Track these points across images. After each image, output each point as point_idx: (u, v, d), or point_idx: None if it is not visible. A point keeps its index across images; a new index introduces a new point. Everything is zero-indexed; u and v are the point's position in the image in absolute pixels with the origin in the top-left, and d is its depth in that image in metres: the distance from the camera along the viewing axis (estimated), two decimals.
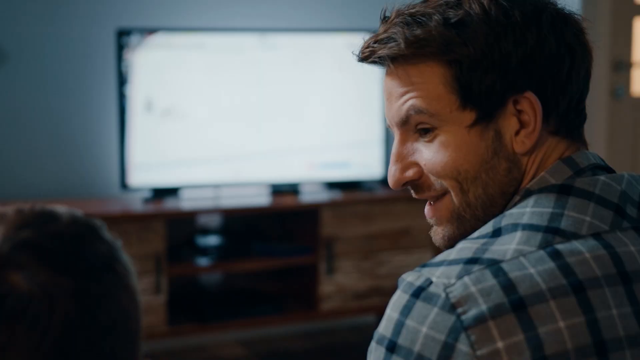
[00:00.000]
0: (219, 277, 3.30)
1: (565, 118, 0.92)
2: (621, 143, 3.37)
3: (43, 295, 0.64)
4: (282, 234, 3.27)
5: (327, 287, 3.15)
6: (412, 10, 0.92)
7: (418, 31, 0.90)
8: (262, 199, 3.16)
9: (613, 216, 0.87)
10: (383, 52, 0.92)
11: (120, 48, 2.98)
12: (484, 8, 0.89)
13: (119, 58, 2.98)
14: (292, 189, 3.21)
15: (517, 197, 0.90)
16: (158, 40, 3.03)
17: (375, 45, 0.93)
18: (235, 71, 3.13)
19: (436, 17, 0.89)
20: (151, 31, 3.02)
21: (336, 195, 3.23)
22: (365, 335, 3.48)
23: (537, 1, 0.91)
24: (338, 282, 3.16)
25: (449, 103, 0.90)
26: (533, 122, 0.90)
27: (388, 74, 0.95)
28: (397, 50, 0.91)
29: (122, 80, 2.99)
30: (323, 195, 3.22)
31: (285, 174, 3.21)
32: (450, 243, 0.95)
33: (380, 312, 3.41)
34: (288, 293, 3.25)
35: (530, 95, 0.89)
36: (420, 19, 0.90)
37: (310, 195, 3.21)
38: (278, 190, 3.20)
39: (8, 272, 0.64)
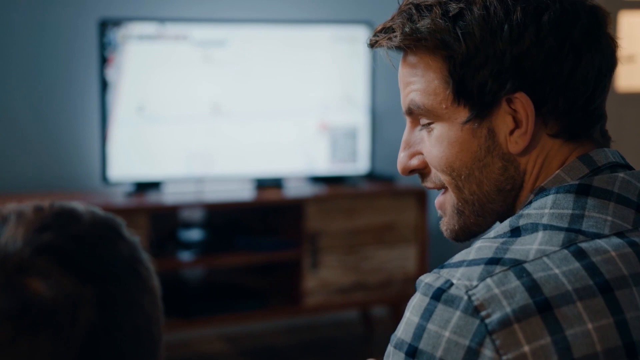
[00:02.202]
0: (202, 271, 3.28)
1: (569, 120, 0.88)
2: None
3: (66, 303, 0.62)
4: (265, 229, 3.25)
5: (311, 282, 3.13)
6: (419, 1, 0.90)
7: (416, 24, 0.89)
8: (245, 193, 3.14)
9: (635, 215, 0.85)
10: (383, 42, 0.92)
11: (103, 39, 2.94)
12: (485, 3, 0.87)
13: (102, 49, 2.95)
14: (276, 184, 3.19)
15: (531, 196, 0.88)
16: (141, 31, 2.99)
17: (379, 34, 0.93)
18: (219, 64, 3.10)
19: (436, 10, 0.88)
20: (134, 21, 2.99)
21: (320, 189, 3.21)
22: (349, 330, 3.47)
23: None
24: (322, 277, 3.15)
25: (444, 98, 0.89)
26: (525, 123, 0.87)
27: (400, 61, 0.95)
28: (395, 42, 0.91)
29: (104, 73, 2.96)
30: (307, 190, 3.20)
31: (269, 168, 3.19)
32: (454, 235, 0.95)
33: (364, 307, 3.40)
34: (272, 288, 3.23)
35: (521, 95, 0.86)
36: (422, 10, 0.89)
37: (295, 190, 3.19)
38: (262, 184, 3.18)
39: (30, 278, 0.62)
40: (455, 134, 0.90)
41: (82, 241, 0.65)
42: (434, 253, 3.58)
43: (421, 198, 3.24)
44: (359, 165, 3.30)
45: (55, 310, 0.62)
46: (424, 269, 3.27)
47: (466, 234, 0.96)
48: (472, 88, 0.87)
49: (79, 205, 0.69)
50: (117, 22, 2.96)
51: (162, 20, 3.06)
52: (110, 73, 2.96)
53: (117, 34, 2.96)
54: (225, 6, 3.29)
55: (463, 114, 0.89)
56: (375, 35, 0.94)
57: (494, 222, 0.94)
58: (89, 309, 0.63)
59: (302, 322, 3.50)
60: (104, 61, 2.96)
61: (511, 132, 0.88)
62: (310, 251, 3.11)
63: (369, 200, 3.19)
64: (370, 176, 3.33)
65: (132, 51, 2.98)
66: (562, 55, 0.86)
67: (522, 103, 0.87)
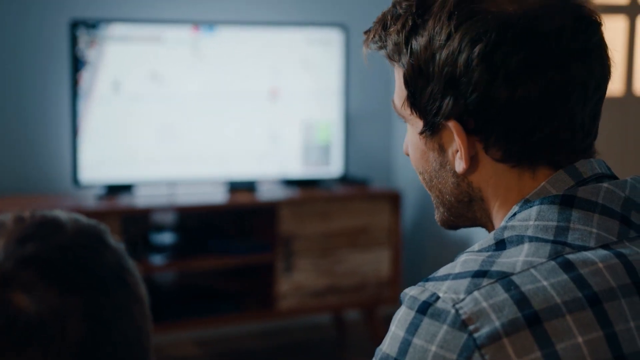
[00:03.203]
0: (174, 275, 3.25)
1: (510, 147, 0.85)
2: None
3: (53, 317, 0.60)
4: (239, 232, 3.23)
5: (285, 285, 3.12)
6: (396, 6, 0.90)
7: (386, 31, 0.90)
8: (218, 196, 3.12)
9: (619, 226, 0.84)
10: (364, 43, 0.94)
11: (74, 39, 2.91)
12: (434, 24, 0.86)
13: (73, 50, 2.92)
14: (249, 187, 3.17)
15: (515, 207, 0.86)
16: (112, 32, 2.96)
17: (364, 35, 0.94)
18: (191, 66, 3.08)
19: (400, 21, 0.89)
20: (106, 22, 2.96)
21: (294, 193, 3.19)
22: (323, 334, 3.46)
23: (500, 17, 0.83)
24: (296, 280, 3.13)
25: (407, 106, 0.90)
26: (459, 148, 0.87)
27: None
28: (371, 47, 0.92)
29: (75, 73, 2.92)
30: (281, 193, 3.18)
31: (242, 171, 3.17)
32: (446, 226, 0.96)
33: (337, 311, 3.39)
34: (245, 291, 3.22)
35: (452, 123, 0.86)
36: (392, 18, 0.90)
37: (268, 193, 3.18)
38: (235, 187, 3.16)
39: (14, 292, 0.60)
40: (417, 141, 0.92)
41: (66, 251, 0.64)
42: (408, 256, 3.58)
43: (395, 201, 3.24)
44: (333, 168, 3.29)
45: (43, 325, 0.60)
46: (397, 272, 3.27)
47: (452, 226, 0.96)
48: (421, 102, 0.88)
49: (61, 213, 0.67)
50: (89, 23, 2.93)
51: (135, 21, 3.03)
52: (82, 74, 2.93)
53: (89, 35, 2.93)
54: (199, 8, 3.27)
55: (420, 124, 0.90)
56: (364, 35, 0.95)
57: (473, 222, 0.94)
58: (77, 321, 0.61)
59: (276, 326, 3.48)
60: (75, 62, 2.92)
61: (457, 152, 0.88)
62: (283, 254, 3.10)
63: (343, 204, 3.19)
64: (344, 179, 3.33)
65: (104, 52, 2.95)
66: (494, 85, 0.83)
67: (455, 130, 0.86)
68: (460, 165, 0.87)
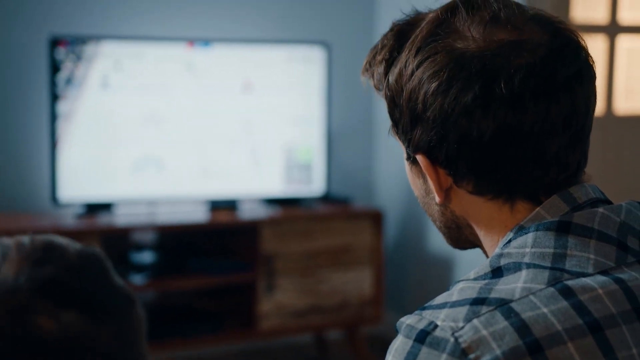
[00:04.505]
0: (154, 295, 3.22)
1: (479, 181, 0.85)
2: None
3: (77, 338, 0.61)
4: (220, 251, 3.20)
5: (266, 305, 3.09)
6: (384, 37, 0.92)
7: (373, 59, 0.92)
8: (199, 215, 3.09)
9: (616, 251, 0.83)
10: (361, 72, 0.95)
11: (53, 56, 2.89)
12: (406, 58, 0.87)
13: (52, 67, 2.89)
14: (230, 205, 3.15)
15: (510, 234, 0.85)
16: (94, 48, 2.94)
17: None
18: (173, 83, 3.06)
19: (385, 51, 0.90)
20: (86, 39, 2.94)
21: (275, 211, 3.17)
22: (304, 354, 3.43)
23: (457, 55, 0.83)
24: (277, 300, 3.11)
25: (393, 132, 0.92)
26: (430, 181, 0.88)
27: None
28: (363, 74, 0.94)
29: (54, 91, 2.90)
30: (262, 212, 3.16)
31: (223, 190, 3.15)
32: (455, 245, 0.96)
33: (319, 331, 3.37)
34: (226, 311, 3.18)
35: (420, 157, 0.87)
36: (381, 47, 0.91)
37: (249, 212, 3.16)
38: (216, 206, 3.13)
39: (36, 315, 0.61)
40: (407, 168, 0.93)
41: (77, 274, 0.65)
42: (390, 275, 3.57)
43: (377, 220, 3.23)
44: (314, 187, 3.28)
45: (68, 346, 0.61)
46: (380, 291, 3.25)
47: (458, 247, 0.96)
48: (399, 134, 0.89)
49: (55, 237, 0.68)
50: (68, 40, 2.91)
51: (116, 37, 3.01)
52: (61, 92, 2.91)
53: (68, 52, 2.91)
54: (181, 25, 3.26)
55: (406, 152, 0.91)
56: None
57: (472, 245, 0.94)
58: (98, 342, 0.62)
59: (257, 346, 3.45)
60: (54, 80, 2.90)
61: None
62: (265, 274, 3.08)
63: (325, 223, 3.17)
64: (326, 198, 3.31)
65: (84, 69, 2.93)
66: (449, 121, 0.83)
67: (422, 163, 0.87)
68: (438, 196, 0.89)
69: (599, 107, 3.30)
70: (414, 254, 3.52)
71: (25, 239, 0.66)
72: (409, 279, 3.57)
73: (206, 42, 3.12)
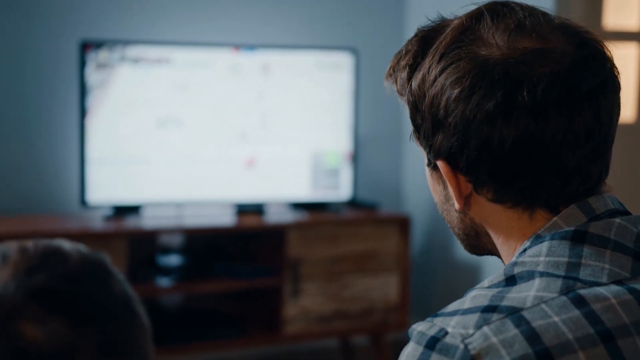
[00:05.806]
0: (180, 298, 3.23)
1: (499, 190, 0.85)
2: None
3: (65, 348, 0.60)
4: (246, 255, 3.21)
5: (292, 309, 3.09)
6: (408, 42, 0.91)
7: (397, 64, 0.91)
8: (226, 218, 3.10)
9: (632, 262, 0.82)
10: (385, 77, 0.94)
11: (83, 60, 2.91)
12: (429, 64, 0.86)
13: (82, 71, 2.92)
14: (257, 209, 3.15)
15: (526, 243, 0.85)
16: (122, 53, 2.97)
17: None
18: (201, 88, 3.08)
19: (408, 57, 0.89)
20: (116, 44, 2.96)
21: (302, 216, 3.17)
22: (329, 359, 3.42)
23: (480, 62, 0.83)
24: (302, 304, 3.10)
25: (415, 138, 0.91)
26: (450, 188, 0.88)
27: None
28: (387, 79, 0.93)
29: (84, 94, 2.92)
30: (289, 216, 3.16)
31: (250, 194, 3.15)
32: (472, 252, 0.95)
33: (344, 336, 3.36)
34: (251, 316, 3.19)
35: (441, 163, 0.87)
36: (405, 52, 0.90)
37: (276, 216, 3.16)
38: (243, 210, 3.14)
39: (24, 323, 0.60)
40: (428, 174, 0.92)
41: (74, 282, 0.63)
42: (416, 282, 3.55)
43: (404, 226, 3.22)
44: (341, 192, 3.27)
45: (54, 356, 0.59)
46: (406, 297, 3.24)
47: (475, 253, 0.96)
48: (421, 139, 0.89)
49: (64, 242, 0.67)
50: (98, 44, 2.94)
51: (144, 42, 3.03)
52: (91, 95, 2.93)
53: (98, 56, 2.93)
54: (208, 30, 3.27)
55: (425, 157, 0.91)
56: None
57: (490, 252, 0.93)
58: (89, 353, 0.60)
59: (282, 351, 3.45)
60: (84, 83, 2.92)
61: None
62: (290, 278, 3.07)
63: (351, 228, 3.16)
64: (353, 203, 3.31)
65: (113, 73, 2.96)
66: (471, 128, 0.83)
67: (443, 169, 0.87)
68: (458, 203, 0.88)
69: (631, 114, 3.26)
70: (441, 260, 3.50)
71: (30, 244, 0.65)
72: (435, 286, 3.55)
73: (251, 47, 3.13)
